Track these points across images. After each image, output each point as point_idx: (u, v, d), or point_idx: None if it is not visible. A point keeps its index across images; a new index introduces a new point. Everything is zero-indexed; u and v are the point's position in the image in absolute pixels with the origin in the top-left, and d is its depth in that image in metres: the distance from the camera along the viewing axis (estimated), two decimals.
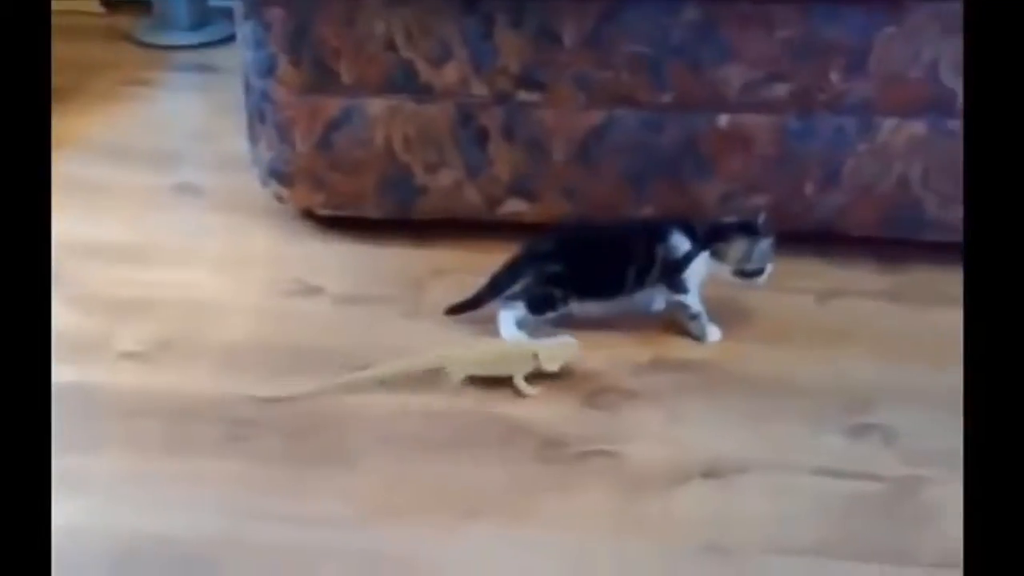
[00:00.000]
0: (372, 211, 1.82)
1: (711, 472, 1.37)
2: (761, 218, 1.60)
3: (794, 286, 1.72)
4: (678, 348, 1.60)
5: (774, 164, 1.70)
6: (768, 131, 1.68)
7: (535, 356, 1.51)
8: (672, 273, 1.59)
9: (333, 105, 1.75)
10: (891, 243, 1.75)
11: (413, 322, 1.66)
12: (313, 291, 1.73)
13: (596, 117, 1.72)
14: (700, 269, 1.59)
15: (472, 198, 1.78)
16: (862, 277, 1.75)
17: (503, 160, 1.76)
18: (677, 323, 1.63)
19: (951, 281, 1.69)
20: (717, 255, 1.58)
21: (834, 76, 1.64)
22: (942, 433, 1.40)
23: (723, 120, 1.69)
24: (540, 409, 1.48)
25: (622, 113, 1.71)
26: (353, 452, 1.42)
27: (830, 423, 1.45)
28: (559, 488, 1.36)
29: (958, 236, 1.69)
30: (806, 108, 1.66)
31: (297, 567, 1.26)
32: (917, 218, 1.71)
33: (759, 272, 1.59)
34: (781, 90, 1.65)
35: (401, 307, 1.69)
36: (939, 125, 1.63)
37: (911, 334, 1.62)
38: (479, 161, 1.76)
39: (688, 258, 1.59)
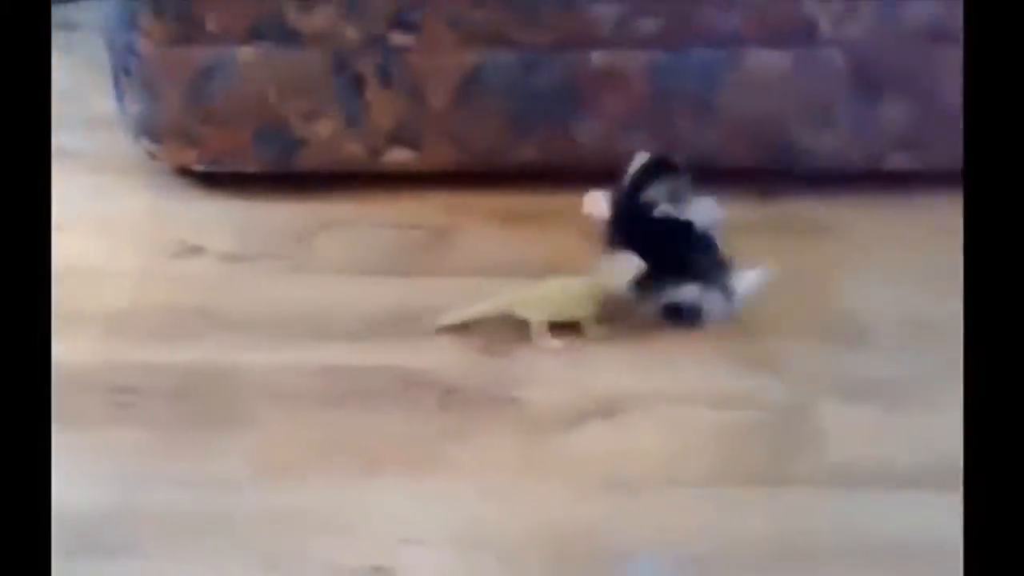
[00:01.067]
0: (250, 165, 1.77)
1: (608, 411, 1.41)
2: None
3: None
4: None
5: (648, 101, 1.72)
6: (640, 67, 1.70)
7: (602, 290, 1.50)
8: None
9: (200, 56, 1.69)
10: (763, 173, 1.81)
11: (301, 276, 1.64)
12: (195, 251, 1.68)
13: (471, 59, 1.70)
14: None
15: (353, 148, 1.76)
16: (737, 209, 1.79)
17: (382, 108, 1.73)
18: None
19: (825, 208, 1.77)
20: None
21: (702, 8, 1.66)
22: (822, 362, 1.47)
23: (597, 57, 1.70)
24: (438, 358, 1.49)
25: (498, 54, 1.70)
26: (246, 411, 1.41)
27: (720, 356, 1.50)
28: (460, 435, 1.38)
29: (830, 163, 1.77)
30: (676, 42, 1.68)
31: (195, 531, 1.25)
32: (787, 148, 1.76)
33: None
34: (650, 25, 1.67)
35: (288, 262, 1.67)
36: (804, 54, 1.68)
37: (792, 263, 1.68)
38: (357, 109, 1.73)
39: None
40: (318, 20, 1.67)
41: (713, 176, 1.80)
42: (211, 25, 1.67)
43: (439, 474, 1.33)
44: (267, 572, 1.22)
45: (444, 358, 1.49)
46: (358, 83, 1.71)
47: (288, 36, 1.68)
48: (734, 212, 1.78)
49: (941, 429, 1.32)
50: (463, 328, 1.52)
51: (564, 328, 1.51)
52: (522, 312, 1.50)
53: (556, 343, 1.50)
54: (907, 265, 1.63)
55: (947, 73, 1.66)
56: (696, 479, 1.31)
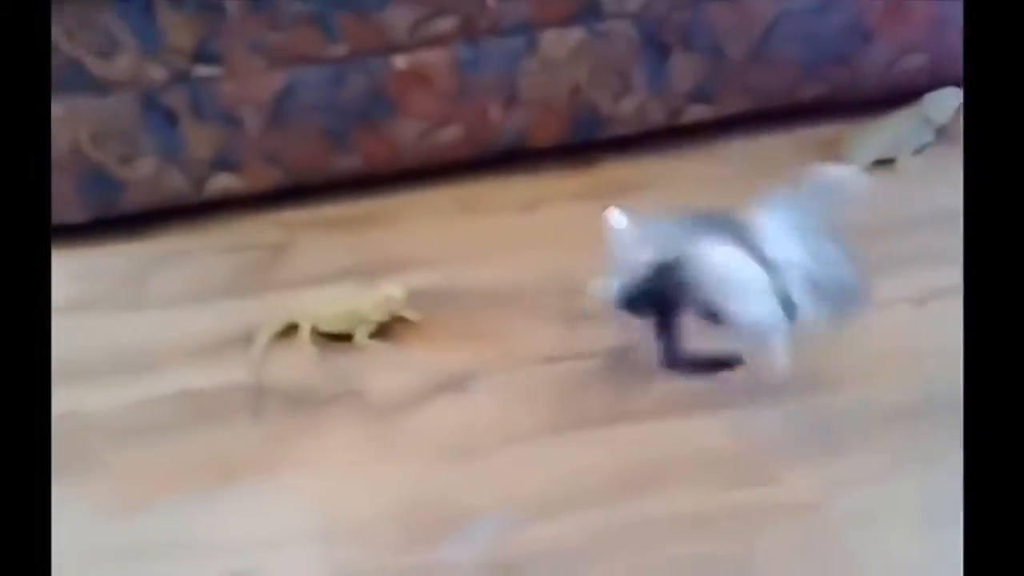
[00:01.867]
0: (76, 215, 1.79)
1: (448, 386, 1.46)
2: None
3: (500, 204, 1.83)
4: (405, 282, 1.65)
5: (455, 95, 1.79)
6: (443, 65, 1.77)
7: (381, 307, 1.54)
8: None
9: None
10: (577, 147, 1.89)
11: (139, 314, 1.66)
12: None
13: (279, 80, 1.75)
14: None
15: (176, 182, 1.78)
16: (558, 183, 1.88)
17: (198, 139, 1.76)
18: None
19: (635, 169, 1.87)
20: None
21: (491, 1, 1.73)
22: None
23: (399, 61, 1.76)
24: (280, 368, 1.53)
25: (303, 71, 1.75)
26: (90, 455, 1.42)
27: (548, 317, 1.56)
28: (310, 434, 1.42)
29: (632, 128, 1.87)
30: (472, 36, 1.76)
31: None
32: (593, 118, 1.85)
33: None
34: (446, 24, 1.74)
35: (125, 303, 1.69)
36: (593, 29, 1.77)
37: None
38: (174, 144, 1.76)
39: None
40: (121, 65, 1.70)
41: (530, 156, 1.89)
42: None
43: (291, 473, 1.36)
44: None
45: (286, 367, 1.53)
46: (170, 118, 1.74)
47: (94, 85, 1.70)
48: (552, 186, 1.87)
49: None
50: (290, 336, 1.56)
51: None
52: (302, 323, 1.55)
53: (313, 350, 1.54)
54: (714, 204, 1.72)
55: (726, 28, 1.77)
56: (536, 432, 1.37)
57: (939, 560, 1.14)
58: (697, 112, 1.85)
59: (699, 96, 1.83)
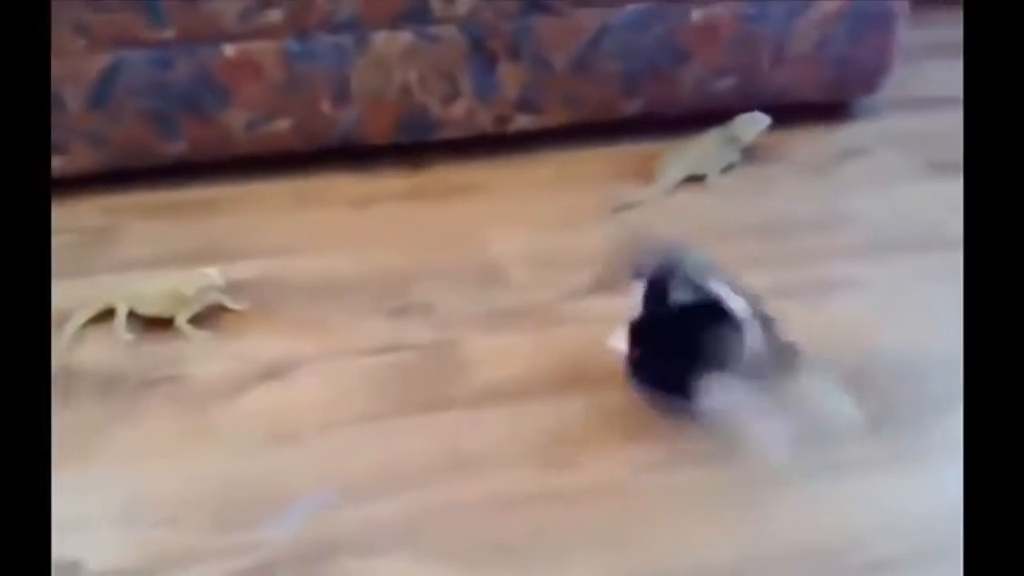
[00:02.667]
0: None
1: (269, 374, 1.47)
2: None
3: (331, 199, 1.85)
4: (230, 271, 1.63)
5: (285, 87, 1.80)
6: (272, 56, 1.77)
7: (203, 291, 1.52)
8: None
9: None
10: (408, 147, 1.93)
11: None
12: None
13: (103, 61, 1.71)
14: None
15: None
16: (389, 182, 1.91)
17: None
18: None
19: (463, 173, 1.92)
20: None
21: None
22: (468, 302, 1.59)
23: (229, 50, 1.75)
24: (95, 352, 1.50)
25: (129, 54, 1.72)
26: None
27: (372, 311, 1.59)
28: (123, 420, 1.39)
29: (460, 132, 1.92)
30: (302, 30, 1.77)
31: None
32: (424, 120, 1.89)
33: None
34: (276, 16, 1.75)
35: None
36: (422, 32, 1.81)
37: (435, 224, 1.81)
38: None
39: None
40: None
41: (363, 154, 1.92)
42: None
43: (101, 461, 1.34)
44: None
45: (100, 351, 1.50)
46: None
47: None
48: (384, 185, 1.90)
49: (568, 343, 1.49)
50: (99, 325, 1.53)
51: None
52: (119, 306, 1.53)
53: (128, 336, 1.52)
54: (533, 212, 1.79)
55: (549, 39, 1.85)
56: (354, 418, 1.39)
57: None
58: (523, 121, 1.91)
59: (525, 105, 1.90)
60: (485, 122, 1.90)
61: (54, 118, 1.73)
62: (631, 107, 1.95)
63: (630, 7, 1.84)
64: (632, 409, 1.38)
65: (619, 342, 1.35)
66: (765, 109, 1.92)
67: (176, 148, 1.81)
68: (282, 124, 1.83)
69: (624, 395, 1.39)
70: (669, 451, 1.32)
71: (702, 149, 1.90)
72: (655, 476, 1.30)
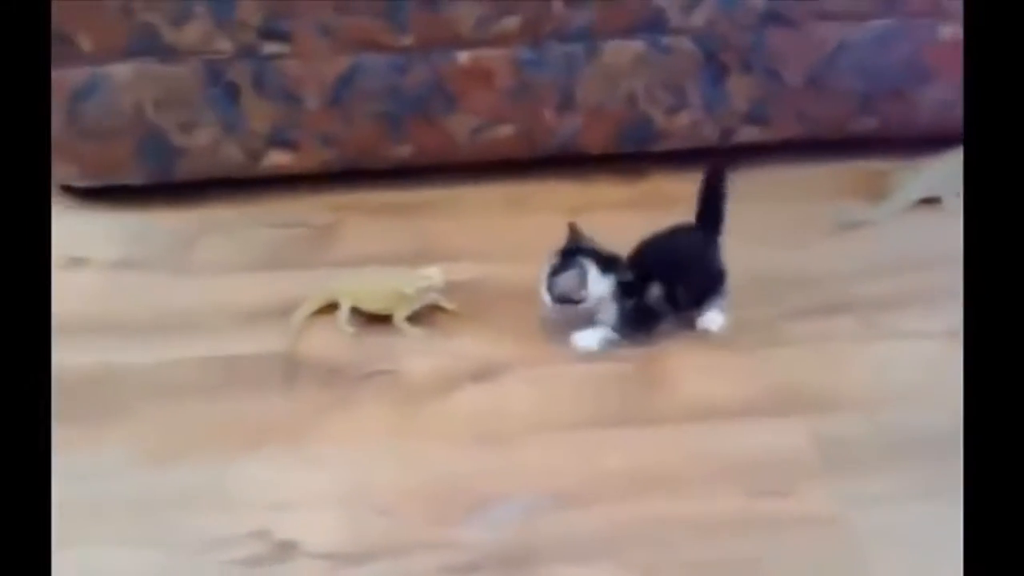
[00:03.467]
0: (132, 178, 1.83)
1: (480, 375, 1.48)
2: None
3: (549, 206, 1.85)
4: (447, 273, 1.65)
5: (513, 95, 1.82)
6: (504, 63, 1.80)
7: (421, 291, 1.56)
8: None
9: (75, 75, 1.74)
10: (627, 157, 1.91)
11: (183, 279, 1.69)
12: (78, 263, 1.73)
13: (343, 64, 1.78)
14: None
15: (232, 154, 1.82)
16: (606, 191, 1.90)
17: (258, 113, 1.80)
18: None
19: (681, 185, 1.88)
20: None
21: (557, 5, 1.76)
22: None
23: (463, 57, 1.79)
24: (318, 342, 1.55)
25: (368, 58, 1.78)
26: (124, 406, 1.45)
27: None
28: (341, 408, 1.44)
29: (684, 143, 1.88)
30: (535, 38, 1.78)
31: (76, 517, 1.27)
32: (646, 130, 1.87)
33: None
34: (511, 23, 1.77)
35: (171, 267, 1.72)
36: (655, 42, 1.79)
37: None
38: (234, 117, 1.79)
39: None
40: (191, 33, 1.74)
41: (581, 162, 1.92)
42: (85, 45, 1.73)
43: (319, 444, 1.39)
44: (149, 550, 1.26)
45: (322, 341, 1.55)
46: (233, 91, 1.78)
47: (163, 51, 1.74)
48: (601, 193, 1.89)
49: (775, 364, 1.45)
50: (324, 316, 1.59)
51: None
52: (343, 301, 1.57)
53: (350, 329, 1.56)
54: (755, 227, 1.73)
55: (784, 53, 1.79)
56: (559, 426, 1.39)
57: None
58: (749, 133, 1.86)
59: (753, 118, 1.84)
60: (710, 133, 1.86)
61: (291, 117, 1.81)
62: (864, 125, 1.86)
63: (874, 22, 1.76)
64: (850, 438, 1.31)
65: (584, 340, 1.51)
66: None
67: (403, 151, 1.86)
68: (506, 131, 1.85)
69: (842, 423, 1.33)
70: (891, 486, 1.25)
71: (940, 171, 1.80)
72: (871, 512, 1.23)
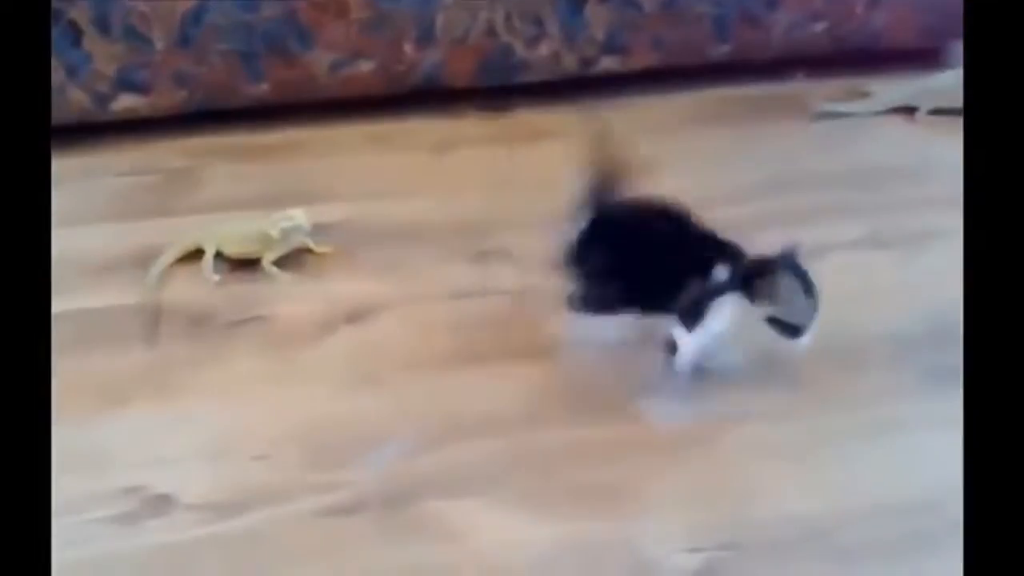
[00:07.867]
0: None
1: (355, 316, 1.47)
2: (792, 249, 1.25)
3: (408, 143, 1.84)
4: (314, 214, 1.62)
5: (370, 27, 1.78)
6: None
7: (288, 233, 1.52)
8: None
9: None
10: (491, 91, 1.90)
11: None
12: None
13: (190, 0, 1.71)
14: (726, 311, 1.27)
15: (78, 99, 1.73)
16: (471, 126, 1.89)
17: (103, 55, 1.71)
18: None
19: (546, 117, 1.89)
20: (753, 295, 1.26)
21: None
22: (547, 248, 1.57)
23: None
24: (182, 292, 1.51)
25: None
26: None
27: (456, 256, 1.57)
28: (211, 359, 1.40)
29: (546, 75, 1.89)
30: None
31: None
32: (508, 62, 1.86)
33: (797, 330, 1.25)
34: None
35: None
36: None
37: (518, 169, 1.79)
38: (77, 59, 1.70)
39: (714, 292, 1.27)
40: None
41: (445, 97, 1.90)
42: None
43: (190, 397, 1.35)
44: None
45: (187, 291, 1.51)
46: (74, 32, 1.69)
47: None
48: (466, 129, 1.88)
49: None
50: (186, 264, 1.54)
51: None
52: (206, 247, 1.54)
53: (215, 276, 1.53)
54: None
55: None
56: (436, 364, 1.39)
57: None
58: (608, 63, 1.87)
59: (611, 47, 1.86)
60: (570, 64, 1.86)
61: (139, 58, 1.73)
62: (719, 52, 1.90)
63: None
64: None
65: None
66: (857, 55, 1.86)
67: (259, 90, 1.81)
68: (365, 65, 1.81)
69: None
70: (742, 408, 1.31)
71: (921, 85, 1.89)
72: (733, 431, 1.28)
